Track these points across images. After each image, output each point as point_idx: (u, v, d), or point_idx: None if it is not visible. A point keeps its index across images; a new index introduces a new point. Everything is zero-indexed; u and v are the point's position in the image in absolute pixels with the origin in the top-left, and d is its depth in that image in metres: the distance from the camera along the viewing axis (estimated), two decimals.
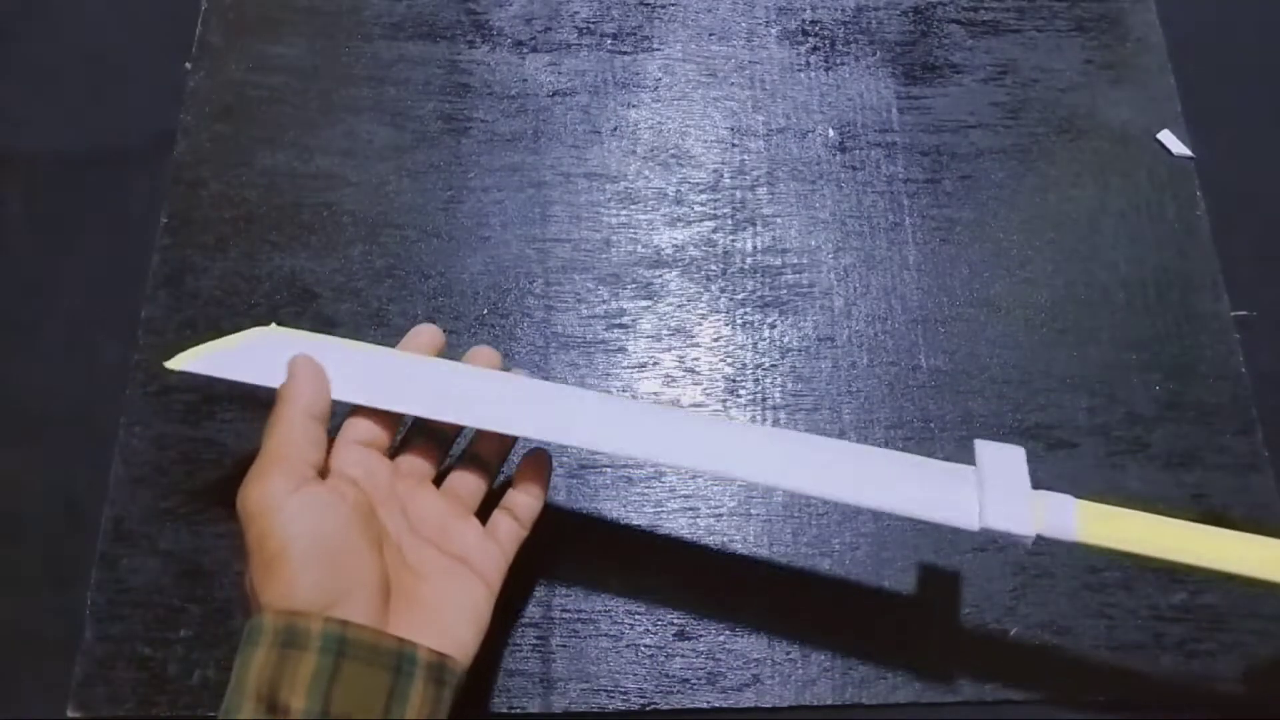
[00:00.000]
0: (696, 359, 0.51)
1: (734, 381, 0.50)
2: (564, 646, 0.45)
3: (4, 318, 0.51)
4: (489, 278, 0.52)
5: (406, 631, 0.35)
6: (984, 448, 0.40)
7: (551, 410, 0.40)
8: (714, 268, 0.53)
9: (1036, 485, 0.38)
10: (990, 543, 0.47)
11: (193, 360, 0.41)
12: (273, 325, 0.44)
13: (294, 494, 0.35)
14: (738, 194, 0.54)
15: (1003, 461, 0.39)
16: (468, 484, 0.42)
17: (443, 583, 0.38)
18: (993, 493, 0.38)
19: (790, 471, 0.39)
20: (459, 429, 0.43)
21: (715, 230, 0.53)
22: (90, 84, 0.57)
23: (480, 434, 0.43)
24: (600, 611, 0.46)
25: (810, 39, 0.58)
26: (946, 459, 0.40)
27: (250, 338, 0.43)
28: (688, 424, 0.41)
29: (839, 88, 0.57)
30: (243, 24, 0.57)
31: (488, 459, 0.43)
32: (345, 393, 0.40)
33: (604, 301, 0.52)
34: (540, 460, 0.43)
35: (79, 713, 0.43)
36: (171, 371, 0.41)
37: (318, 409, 0.38)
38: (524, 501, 0.42)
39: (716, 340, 0.51)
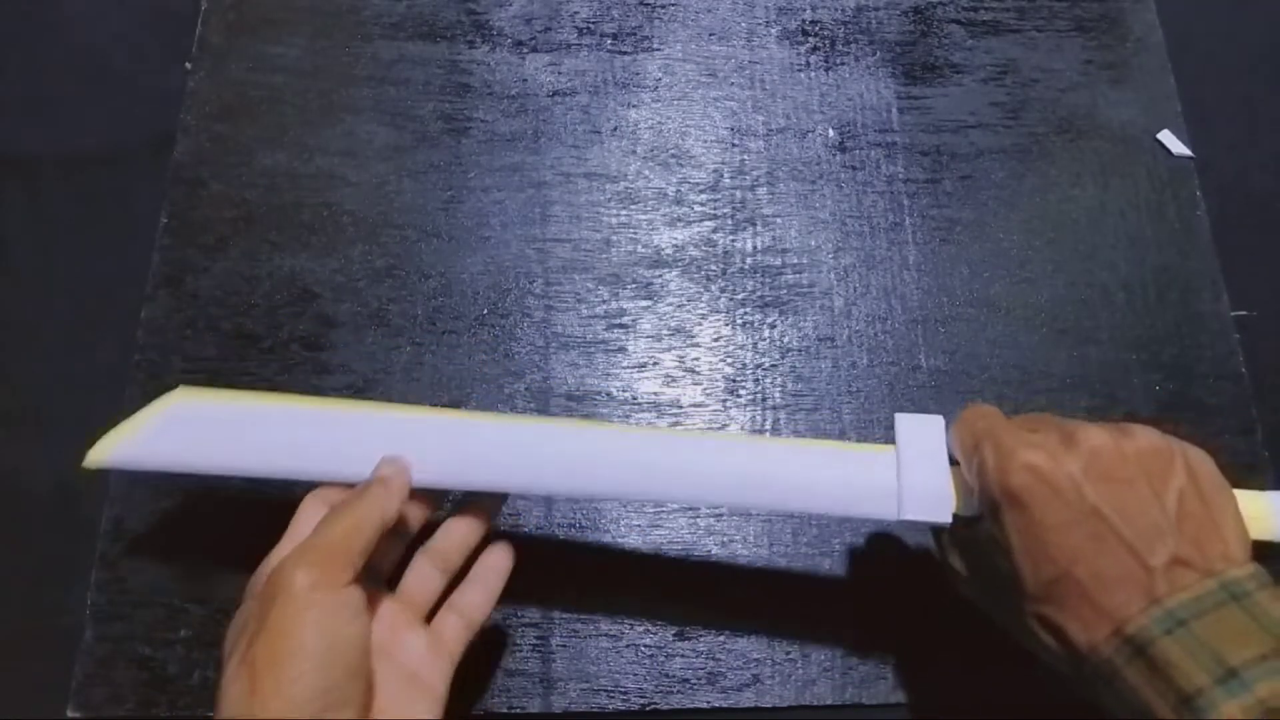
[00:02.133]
0: (696, 359, 0.51)
1: (734, 381, 0.50)
2: (564, 646, 0.45)
3: (4, 318, 0.51)
4: (489, 278, 0.52)
5: None
6: (903, 422, 0.39)
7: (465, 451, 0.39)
8: (714, 268, 0.53)
9: None
10: None
11: (108, 453, 0.39)
12: (180, 388, 0.41)
13: (331, 594, 0.33)
14: (738, 194, 0.54)
15: (922, 437, 0.38)
16: (423, 585, 0.39)
17: (397, 697, 0.36)
18: (911, 475, 0.37)
19: (698, 484, 0.38)
20: (415, 527, 0.40)
21: (715, 230, 0.53)
22: (90, 84, 0.57)
23: (443, 529, 0.40)
24: (600, 611, 0.46)
25: (810, 39, 0.58)
26: None
27: (158, 411, 0.40)
28: (598, 446, 0.39)
29: (839, 88, 0.57)
30: (243, 24, 0.57)
31: (448, 553, 0.40)
32: (259, 462, 0.39)
33: (604, 301, 0.52)
34: (501, 559, 0.40)
35: (79, 713, 0.43)
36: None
37: (390, 519, 0.36)
38: (476, 603, 0.39)
39: (716, 340, 0.51)
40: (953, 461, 0.38)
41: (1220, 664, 0.29)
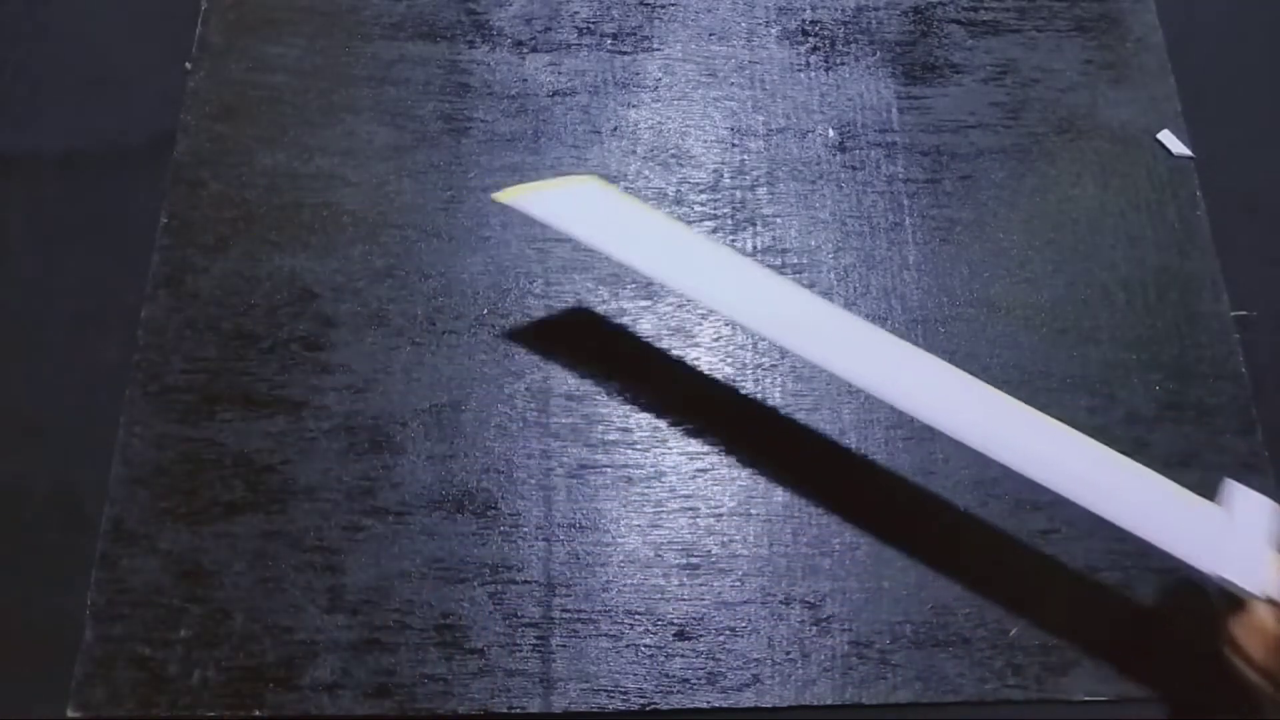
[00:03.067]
0: (697, 359, 0.51)
1: (734, 381, 0.50)
2: (564, 646, 0.45)
3: (4, 318, 0.51)
4: (489, 278, 0.52)
5: None
6: (1235, 491, 0.39)
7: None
8: None
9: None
10: (990, 542, 0.47)
11: (515, 196, 0.43)
12: (593, 177, 0.46)
13: None
14: (738, 194, 0.54)
15: (1249, 511, 0.38)
16: None
17: None
18: (1238, 543, 0.37)
19: (1036, 456, 0.39)
20: None
21: (715, 230, 0.53)
22: (90, 84, 0.57)
23: None
24: (600, 611, 0.46)
25: (810, 39, 0.58)
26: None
27: (570, 184, 0.45)
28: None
29: (839, 88, 0.57)
30: (243, 24, 0.57)
31: None
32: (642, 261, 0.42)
33: (604, 301, 0.52)
34: None
35: (79, 713, 0.43)
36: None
37: None
38: None
39: (716, 340, 0.51)
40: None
41: None
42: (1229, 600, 0.38)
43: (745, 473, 0.48)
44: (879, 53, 0.58)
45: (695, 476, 0.48)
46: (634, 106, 0.56)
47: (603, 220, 0.43)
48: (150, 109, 0.55)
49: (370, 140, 0.55)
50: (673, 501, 0.48)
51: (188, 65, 0.56)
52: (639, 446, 0.49)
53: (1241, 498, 0.39)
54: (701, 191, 0.54)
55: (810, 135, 0.56)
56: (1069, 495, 0.38)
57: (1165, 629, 0.46)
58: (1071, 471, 0.38)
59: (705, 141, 0.56)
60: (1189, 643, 0.45)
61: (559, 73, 0.57)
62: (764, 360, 0.51)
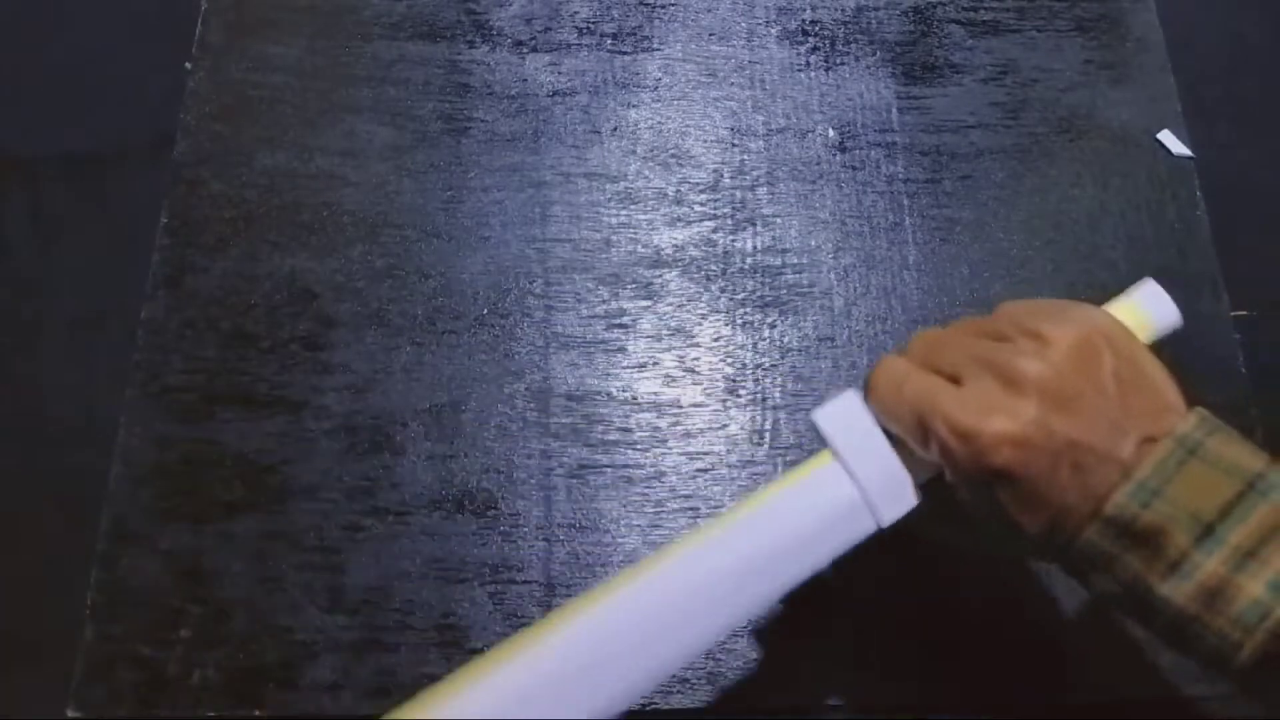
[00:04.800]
0: (696, 359, 0.51)
1: (734, 381, 0.50)
2: None
3: (4, 318, 0.51)
4: (489, 278, 0.52)
5: None
6: (824, 419, 0.36)
7: None
8: (714, 268, 0.53)
9: None
10: None
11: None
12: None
13: None
14: (738, 194, 0.54)
15: (848, 427, 0.36)
16: None
17: None
18: (865, 475, 0.35)
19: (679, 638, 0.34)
20: None
21: (715, 230, 0.53)
22: (90, 84, 0.57)
23: None
24: None
25: (810, 39, 0.58)
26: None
27: None
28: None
29: (839, 88, 0.57)
30: (243, 24, 0.57)
31: None
32: None
33: (604, 301, 0.52)
34: None
35: (79, 713, 0.43)
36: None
37: None
38: None
39: (716, 340, 0.51)
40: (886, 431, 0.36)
41: (1197, 521, 0.30)
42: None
43: (745, 473, 0.48)
44: (879, 53, 0.58)
45: (695, 476, 0.48)
46: (634, 106, 0.56)
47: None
48: (150, 109, 0.55)
49: (370, 140, 0.55)
50: (673, 501, 0.48)
51: (188, 65, 0.56)
52: (639, 446, 0.49)
53: (835, 424, 0.36)
54: (701, 191, 0.54)
55: (810, 135, 0.56)
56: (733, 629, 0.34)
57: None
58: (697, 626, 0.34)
59: (705, 141, 0.56)
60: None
61: (559, 73, 0.57)
62: (764, 360, 0.51)
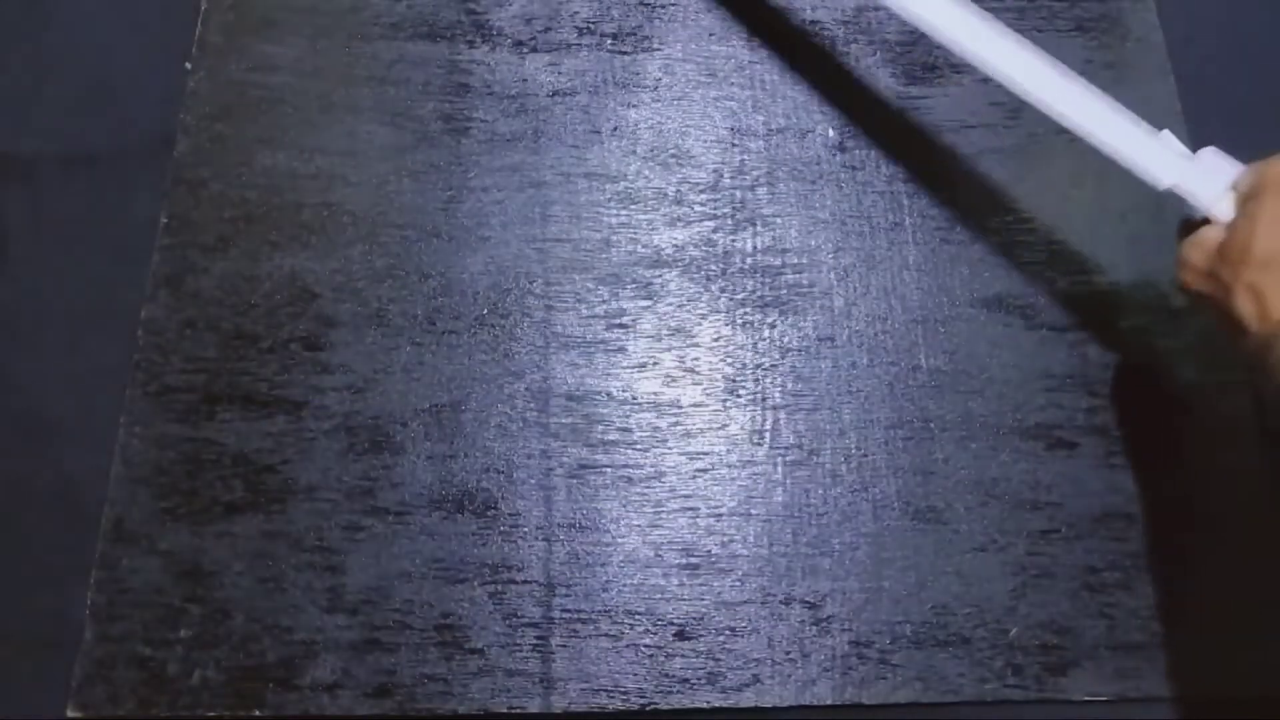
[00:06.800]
0: (696, 359, 0.51)
1: (734, 381, 0.50)
2: (564, 646, 0.45)
3: (4, 318, 0.51)
4: (489, 278, 0.52)
5: None
6: (1207, 150, 0.44)
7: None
8: (714, 268, 0.53)
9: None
10: (990, 543, 0.47)
11: None
12: None
13: None
14: (738, 194, 0.54)
15: (1217, 158, 0.44)
16: None
17: None
18: (1195, 169, 0.43)
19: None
20: None
21: (715, 230, 0.53)
22: (90, 84, 0.57)
23: None
24: (600, 611, 0.46)
25: (811, 39, 0.58)
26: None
27: None
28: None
29: (839, 88, 0.57)
30: (243, 24, 0.57)
31: None
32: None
33: (604, 301, 0.52)
34: None
35: (79, 713, 0.43)
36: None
37: None
38: None
39: (716, 340, 0.51)
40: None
41: None
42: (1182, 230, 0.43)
43: (745, 473, 0.48)
44: (879, 53, 0.58)
45: (695, 476, 0.48)
46: (634, 106, 0.56)
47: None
48: (150, 109, 0.55)
49: (370, 140, 0.55)
50: (673, 501, 0.48)
51: (188, 65, 0.56)
52: (639, 446, 0.49)
53: (1211, 153, 0.44)
54: (701, 191, 0.54)
55: (810, 135, 0.56)
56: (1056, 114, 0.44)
57: (1166, 628, 0.46)
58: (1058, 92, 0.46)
59: (705, 141, 0.56)
60: (1190, 641, 0.45)
61: (559, 73, 0.57)
62: (764, 360, 0.51)
